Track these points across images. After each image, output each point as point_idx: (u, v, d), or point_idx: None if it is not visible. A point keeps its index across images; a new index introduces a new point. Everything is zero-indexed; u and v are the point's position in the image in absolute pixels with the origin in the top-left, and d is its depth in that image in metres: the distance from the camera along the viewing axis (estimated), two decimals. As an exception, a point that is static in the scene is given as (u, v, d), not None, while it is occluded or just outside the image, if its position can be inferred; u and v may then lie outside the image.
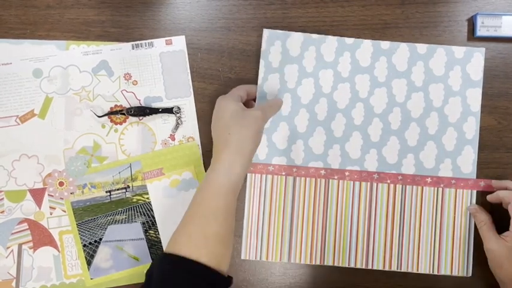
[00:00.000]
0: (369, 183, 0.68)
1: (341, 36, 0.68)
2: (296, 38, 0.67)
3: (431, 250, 0.67)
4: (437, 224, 0.67)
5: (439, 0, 0.68)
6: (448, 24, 0.68)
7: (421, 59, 0.68)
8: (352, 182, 0.68)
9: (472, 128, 0.67)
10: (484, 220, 0.64)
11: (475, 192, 0.67)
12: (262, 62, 0.67)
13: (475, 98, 0.67)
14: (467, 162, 0.67)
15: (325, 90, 0.68)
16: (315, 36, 0.67)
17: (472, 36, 0.68)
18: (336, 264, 0.67)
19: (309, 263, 0.67)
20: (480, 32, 0.67)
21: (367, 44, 0.68)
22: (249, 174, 0.68)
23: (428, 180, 0.67)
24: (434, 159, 0.67)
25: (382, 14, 0.68)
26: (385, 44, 0.68)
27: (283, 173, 0.68)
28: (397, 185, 0.68)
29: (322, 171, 0.68)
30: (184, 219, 0.57)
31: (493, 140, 0.68)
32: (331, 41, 0.67)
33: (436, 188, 0.67)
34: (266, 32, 0.67)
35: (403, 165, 0.68)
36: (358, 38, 0.68)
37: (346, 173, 0.68)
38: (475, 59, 0.67)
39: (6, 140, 0.68)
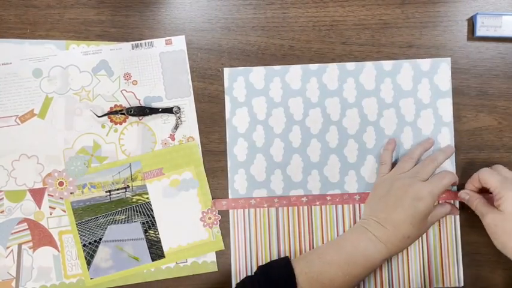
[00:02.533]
0: (351, 205, 0.67)
1: (342, 35, 0.68)
2: (258, 72, 0.68)
3: (420, 265, 0.67)
4: (424, 237, 0.67)
5: (439, 0, 0.68)
6: (448, 24, 0.68)
7: (388, 75, 0.68)
8: (334, 206, 0.68)
9: (446, 139, 0.67)
10: (478, 197, 0.63)
11: (457, 202, 0.67)
12: (227, 98, 0.68)
13: (446, 108, 0.67)
14: None
15: (296, 118, 0.68)
16: (277, 67, 0.68)
17: (472, 36, 0.68)
18: None
19: None
20: (480, 32, 0.67)
21: (332, 67, 0.68)
22: (231, 211, 0.68)
23: None
24: None
25: (382, 14, 0.68)
26: (350, 65, 0.68)
27: (265, 205, 0.67)
28: None
29: (304, 199, 0.67)
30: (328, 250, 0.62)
31: (493, 140, 0.68)
32: (295, 69, 0.68)
33: None
34: (227, 71, 0.68)
35: None
36: (357, 37, 0.68)
37: (328, 198, 0.67)
38: (442, 70, 0.67)
39: (6, 140, 0.68)
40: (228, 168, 0.68)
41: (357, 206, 0.67)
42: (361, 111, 0.68)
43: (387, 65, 0.68)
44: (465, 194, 0.65)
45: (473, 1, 0.68)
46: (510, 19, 0.67)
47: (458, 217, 0.67)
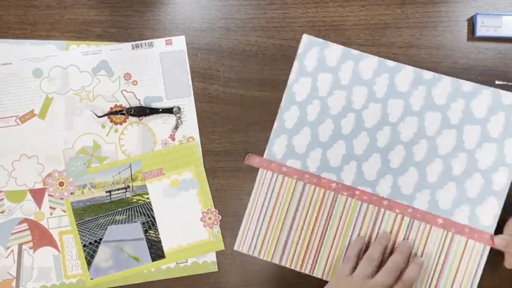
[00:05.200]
0: (376, 207, 0.66)
1: (342, 35, 0.68)
2: (335, 50, 0.67)
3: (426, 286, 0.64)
4: (439, 265, 0.64)
5: (439, 0, 0.68)
6: (448, 24, 0.68)
7: (463, 97, 0.65)
8: (360, 201, 0.66)
9: (502, 180, 0.64)
10: None
11: (488, 248, 0.63)
12: (296, 64, 0.67)
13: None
14: (488, 214, 0.64)
15: (355, 106, 0.67)
16: (355, 52, 0.67)
17: (472, 36, 0.68)
18: (324, 278, 0.66)
19: (299, 269, 0.66)
20: (480, 32, 0.67)
21: (408, 70, 0.66)
22: (260, 170, 0.67)
23: (440, 221, 0.64)
24: (451, 202, 0.65)
25: (382, 14, 0.68)
26: (427, 74, 0.66)
27: (295, 177, 0.67)
28: (405, 217, 0.65)
29: (333, 184, 0.66)
30: None
31: (493, 140, 0.68)
32: (372, 60, 0.67)
33: (445, 231, 0.64)
34: (305, 38, 0.67)
35: (416, 199, 0.65)
36: (357, 37, 0.68)
37: (357, 192, 0.66)
38: None
39: (6, 140, 0.68)
40: (273, 130, 0.67)
41: (382, 210, 0.65)
42: (422, 122, 0.66)
43: (466, 85, 0.65)
44: (502, 240, 0.61)
45: (473, 1, 0.68)
46: (510, 19, 0.67)
47: (483, 263, 0.64)
